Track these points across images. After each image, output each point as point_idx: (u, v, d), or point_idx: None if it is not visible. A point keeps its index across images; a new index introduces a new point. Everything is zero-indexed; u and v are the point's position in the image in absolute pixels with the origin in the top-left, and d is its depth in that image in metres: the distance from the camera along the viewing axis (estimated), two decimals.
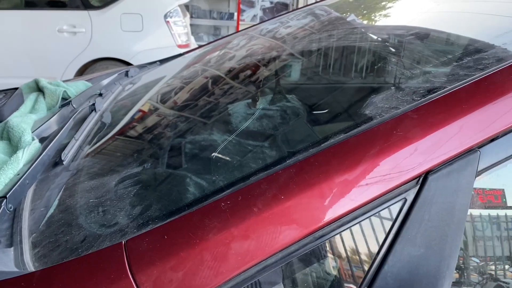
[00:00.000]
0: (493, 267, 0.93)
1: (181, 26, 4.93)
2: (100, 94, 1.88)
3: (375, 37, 1.57)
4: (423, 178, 0.79)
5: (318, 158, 0.80)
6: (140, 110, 1.66)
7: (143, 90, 1.97)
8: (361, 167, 0.77)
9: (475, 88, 0.86)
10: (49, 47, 4.69)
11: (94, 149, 1.31)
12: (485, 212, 0.90)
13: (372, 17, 2.13)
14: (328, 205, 0.75)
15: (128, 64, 4.79)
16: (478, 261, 0.92)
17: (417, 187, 0.79)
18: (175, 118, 1.44)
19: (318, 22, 2.17)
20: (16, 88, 1.64)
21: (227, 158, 0.99)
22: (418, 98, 0.89)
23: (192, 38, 5.41)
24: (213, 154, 1.01)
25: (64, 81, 2.03)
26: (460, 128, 0.80)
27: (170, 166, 1.05)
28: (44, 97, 1.77)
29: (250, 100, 1.43)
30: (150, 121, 1.50)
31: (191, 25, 6.15)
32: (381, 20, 2.02)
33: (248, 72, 1.70)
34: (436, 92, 0.89)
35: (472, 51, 1.05)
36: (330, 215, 0.75)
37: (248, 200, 0.76)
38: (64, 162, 1.23)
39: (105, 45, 4.80)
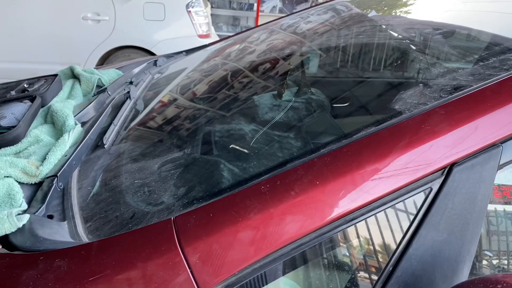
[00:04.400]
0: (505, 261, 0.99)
1: (202, 16, 4.99)
2: (131, 82, 1.97)
3: (404, 35, 1.63)
4: (448, 170, 0.85)
5: (351, 148, 0.87)
6: (172, 100, 1.74)
7: (174, 79, 2.05)
8: (390, 158, 0.84)
9: (500, 87, 0.92)
10: (73, 34, 4.79)
11: (132, 134, 1.40)
12: (500, 207, 0.96)
13: (400, 14, 2.17)
14: (359, 191, 0.83)
15: (149, 52, 4.88)
16: (491, 254, 0.99)
17: (442, 177, 0.86)
18: (207, 108, 1.52)
19: (340, 18, 2.22)
20: (55, 75, 1.73)
21: (265, 147, 1.06)
22: (445, 95, 0.95)
23: (212, 28, 5.47)
24: (252, 143, 1.08)
25: (96, 69, 2.12)
26: (484, 124, 0.86)
27: (212, 153, 1.13)
28: (80, 84, 1.86)
29: (277, 92, 1.50)
30: (183, 110, 1.58)
31: (211, 15, 6.21)
32: (406, 17, 2.06)
33: (281, 66, 1.76)
34: (462, 90, 0.95)
35: (498, 51, 1.11)
36: (360, 200, 0.82)
37: (286, 185, 0.84)
38: (105, 146, 1.31)
39: (128, 33, 4.88)
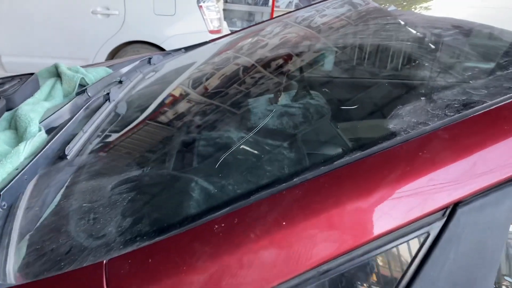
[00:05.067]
0: None
1: (213, 11, 4.84)
2: (120, 82, 1.83)
3: (412, 32, 1.43)
4: (451, 211, 0.67)
5: (329, 179, 0.70)
6: (158, 104, 1.58)
7: (164, 79, 1.90)
8: (378, 194, 0.67)
9: None
10: (82, 28, 4.70)
11: (101, 144, 1.25)
12: None
13: (412, 9, 1.97)
14: (335, 236, 0.65)
15: (159, 48, 4.75)
16: None
17: (443, 220, 0.68)
18: (193, 117, 1.36)
19: (355, 12, 2.03)
20: (31, 74, 1.59)
21: (227, 171, 0.89)
22: (452, 113, 0.77)
23: (224, 23, 5.31)
24: (216, 163, 0.91)
25: (84, 67, 1.98)
26: (499, 153, 0.68)
27: (168, 172, 0.96)
28: (62, 84, 1.72)
29: (269, 96, 1.33)
30: (167, 117, 1.42)
31: (225, 10, 6.06)
32: (421, 13, 1.86)
33: (275, 62, 1.59)
34: (474, 107, 0.76)
35: None
36: (337, 248, 0.65)
37: (245, 224, 0.67)
38: (68, 157, 1.17)
39: (138, 28, 4.77)
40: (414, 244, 0.68)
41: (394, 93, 1.01)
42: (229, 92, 1.45)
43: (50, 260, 0.79)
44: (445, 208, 0.67)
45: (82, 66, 2.05)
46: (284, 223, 0.66)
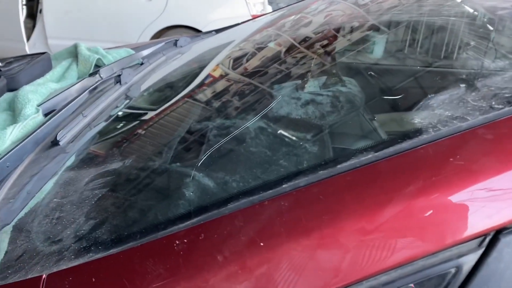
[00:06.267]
0: None
1: None
2: (142, 64, 1.72)
3: (463, 9, 1.21)
4: (491, 239, 0.49)
5: (326, 188, 0.53)
6: (171, 91, 1.46)
7: (186, 63, 1.77)
8: (388, 212, 0.49)
9: None
10: (125, 12, 4.68)
11: (103, 130, 1.13)
12: None
13: None
14: (329, 266, 0.49)
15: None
16: None
17: (480, 251, 0.49)
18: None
19: None
20: (43, 53, 1.51)
21: (206, 172, 0.73)
22: (500, 106, 0.57)
23: (269, 7, 5.12)
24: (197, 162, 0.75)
25: (107, 49, 1.90)
26: None
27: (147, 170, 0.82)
28: (77, 65, 1.63)
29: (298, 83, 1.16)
30: (183, 108, 1.28)
31: None
32: None
33: (313, 43, 1.42)
34: None
35: None
36: (331, 281, 0.49)
37: (212, 242, 0.52)
38: (60, 143, 1.06)
39: (180, 12, 4.69)
40: (438, 283, 0.50)
41: (422, 77, 0.81)
42: (256, 78, 1.29)
43: (0, 264, 0.67)
44: (482, 235, 0.49)
45: (107, 48, 1.96)
46: (261, 243, 0.50)
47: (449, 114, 0.58)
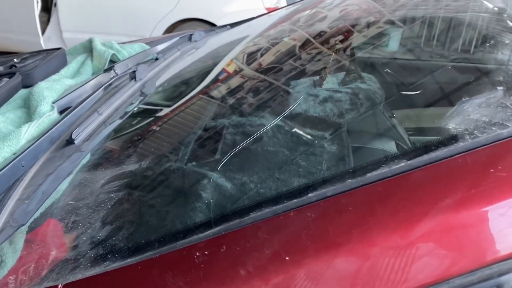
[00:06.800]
0: None
1: None
2: (156, 59, 1.70)
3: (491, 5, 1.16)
4: None
5: (356, 199, 0.50)
6: (188, 88, 1.43)
7: (201, 59, 1.75)
8: (425, 226, 0.46)
9: None
10: (139, 5, 4.66)
11: (114, 129, 1.11)
12: None
13: None
14: (362, 285, 0.46)
15: (215, 26, 4.61)
16: None
17: None
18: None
19: None
20: (58, 49, 1.49)
21: (229, 167, 0.70)
22: None
23: (283, 0, 5.06)
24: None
25: (121, 44, 1.88)
26: None
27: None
28: (92, 60, 1.62)
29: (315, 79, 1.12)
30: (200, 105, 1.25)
31: None
32: None
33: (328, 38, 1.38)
34: None
35: None
36: None
37: (234, 255, 0.49)
38: (75, 142, 1.04)
39: (193, 5, 4.66)
40: None
41: (457, 79, 0.77)
42: (270, 74, 1.26)
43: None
44: None
45: (121, 43, 1.95)
46: (286, 258, 0.47)
47: (487, 120, 0.54)
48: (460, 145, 0.51)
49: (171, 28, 4.79)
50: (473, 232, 0.46)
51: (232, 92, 1.25)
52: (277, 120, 0.79)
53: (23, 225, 0.80)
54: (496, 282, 0.46)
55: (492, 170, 0.47)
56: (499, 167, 0.47)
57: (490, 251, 0.45)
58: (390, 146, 0.69)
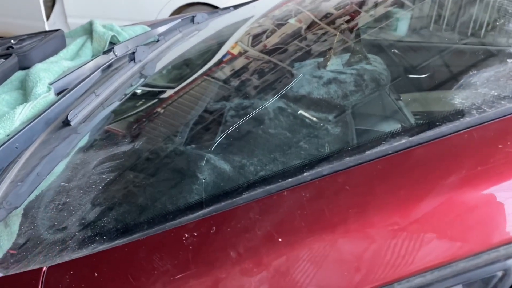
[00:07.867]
0: None
1: None
2: (157, 41, 1.66)
3: None
4: None
5: (354, 178, 0.47)
6: (188, 70, 1.40)
7: (202, 41, 1.71)
8: (427, 205, 0.43)
9: None
10: None
11: (111, 111, 1.08)
12: None
13: None
14: (359, 267, 0.43)
15: None
16: None
17: None
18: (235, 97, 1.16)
19: None
20: (57, 30, 1.46)
21: (221, 146, 0.67)
22: None
23: None
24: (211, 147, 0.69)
25: (122, 26, 1.84)
26: None
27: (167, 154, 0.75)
28: (92, 42, 1.59)
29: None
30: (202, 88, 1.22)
31: None
32: None
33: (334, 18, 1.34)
34: None
35: None
36: (362, 286, 0.43)
37: (224, 236, 0.47)
38: (71, 123, 1.01)
39: None
40: None
41: (464, 53, 0.73)
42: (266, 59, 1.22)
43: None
44: None
45: (123, 26, 1.91)
46: (279, 239, 0.45)
47: (496, 94, 0.51)
48: (466, 120, 0.48)
49: (177, 12, 4.74)
50: (479, 212, 0.42)
51: (234, 74, 1.22)
52: (274, 99, 0.76)
53: (17, 207, 0.78)
54: (503, 265, 0.42)
55: (500, 146, 0.43)
56: (509, 143, 0.43)
57: (497, 232, 0.42)
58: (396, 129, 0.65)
